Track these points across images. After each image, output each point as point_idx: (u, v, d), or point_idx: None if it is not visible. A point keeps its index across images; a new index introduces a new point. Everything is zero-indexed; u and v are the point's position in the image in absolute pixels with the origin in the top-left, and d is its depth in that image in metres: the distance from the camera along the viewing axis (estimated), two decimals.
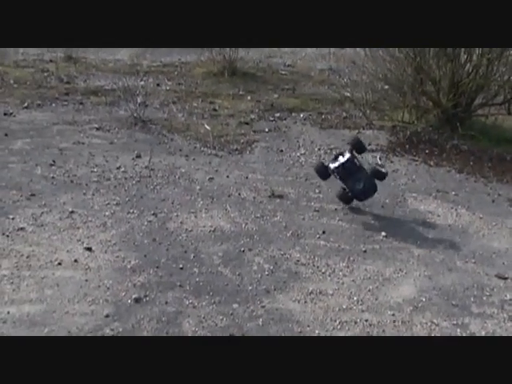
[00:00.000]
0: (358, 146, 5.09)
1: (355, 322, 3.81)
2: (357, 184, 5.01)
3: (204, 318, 3.74)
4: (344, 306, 3.95)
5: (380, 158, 6.24)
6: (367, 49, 7.14)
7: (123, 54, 8.98)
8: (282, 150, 6.25)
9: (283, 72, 8.85)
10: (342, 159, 4.98)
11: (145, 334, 3.55)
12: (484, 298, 4.18)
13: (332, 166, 5.01)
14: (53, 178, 5.27)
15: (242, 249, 4.47)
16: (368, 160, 5.41)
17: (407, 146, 6.62)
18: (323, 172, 5.11)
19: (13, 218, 4.59)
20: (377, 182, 5.08)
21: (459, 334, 3.79)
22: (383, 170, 5.28)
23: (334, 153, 5.20)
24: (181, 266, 4.22)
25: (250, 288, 4.05)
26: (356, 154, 5.06)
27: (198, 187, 5.34)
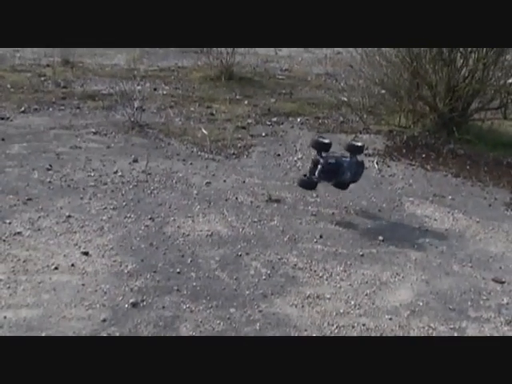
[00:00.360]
0: (321, 147, 5.03)
1: (352, 327, 3.81)
2: (344, 176, 5.06)
3: (201, 322, 3.73)
4: (341, 311, 3.95)
5: (377, 163, 6.26)
6: (364, 53, 7.17)
7: (120, 59, 8.99)
8: (279, 155, 6.25)
9: (280, 77, 8.88)
10: (318, 168, 4.99)
11: None
12: (481, 302, 4.18)
13: (314, 177, 5.04)
14: (50, 182, 5.26)
15: (239, 253, 4.47)
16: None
17: (404, 151, 6.63)
18: (308, 184, 5.12)
19: (9, 223, 4.58)
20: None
21: None
22: (358, 144, 5.26)
23: (309, 166, 5.12)
24: (178, 270, 4.21)
25: (247, 292, 4.05)
26: (325, 154, 5.03)
27: (195, 191, 5.34)
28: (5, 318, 3.60)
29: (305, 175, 5.15)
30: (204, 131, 6.63)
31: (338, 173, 5.03)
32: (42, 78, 7.92)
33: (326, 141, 5.05)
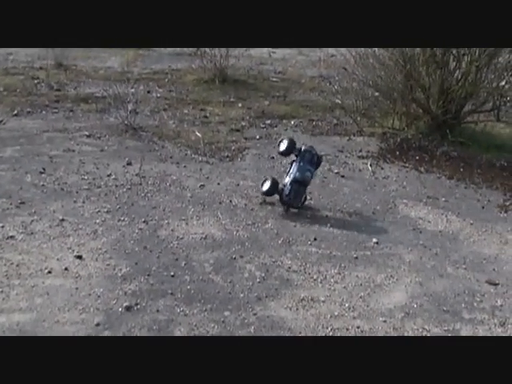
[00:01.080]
0: (272, 192, 5.17)
1: (347, 329, 3.81)
2: (308, 178, 5.15)
3: (195, 325, 3.72)
4: (336, 313, 3.95)
5: (371, 165, 6.27)
6: (357, 56, 7.18)
7: (114, 62, 8.98)
8: (273, 157, 6.25)
9: (274, 79, 8.88)
10: (288, 203, 5.12)
11: None
12: (475, 304, 4.19)
13: (296, 205, 5.14)
14: (43, 185, 5.24)
15: (234, 256, 4.46)
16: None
17: (397, 153, 6.64)
18: (299, 207, 5.21)
19: (2, 226, 4.56)
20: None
21: None
22: (282, 148, 5.32)
23: (283, 207, 5.17)
24: (172, 273, 4.20)
25: (241, 295, 4.05)
26: (280, 188, 5.13)
27: (189, 194, 5.33)
28: None
29: (286, 207, 5.20)
30: (198, 134, 6.63)
31: (303, 184, 5.13)
32: (36, 81, 7.89)
33: (267, 187, 5.17)
